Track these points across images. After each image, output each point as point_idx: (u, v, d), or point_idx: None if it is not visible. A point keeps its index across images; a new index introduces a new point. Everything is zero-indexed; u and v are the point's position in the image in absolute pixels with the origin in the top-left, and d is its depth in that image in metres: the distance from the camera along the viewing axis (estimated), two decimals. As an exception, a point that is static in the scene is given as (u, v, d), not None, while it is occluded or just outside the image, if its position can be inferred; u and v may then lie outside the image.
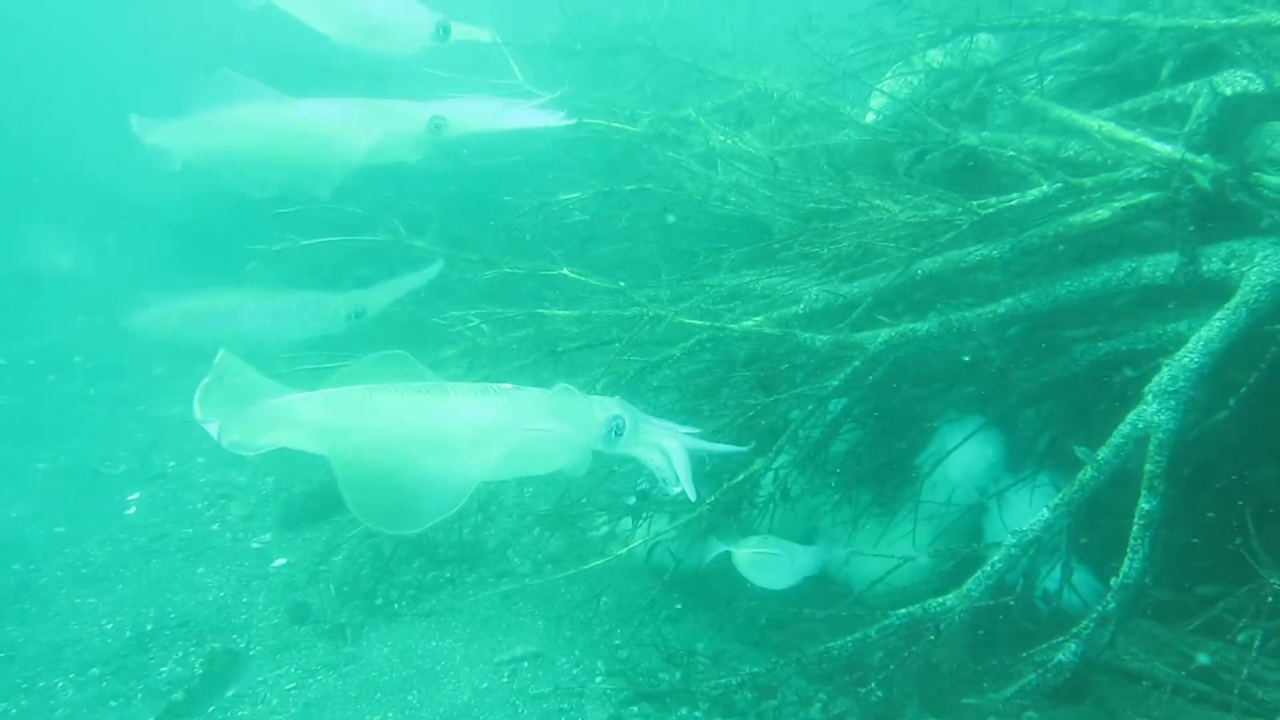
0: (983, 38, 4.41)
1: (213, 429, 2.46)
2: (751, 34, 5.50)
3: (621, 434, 2.65)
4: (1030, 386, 3.77)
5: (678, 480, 2.66)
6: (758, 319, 3.71)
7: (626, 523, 4.88)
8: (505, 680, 4.09)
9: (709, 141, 4.39)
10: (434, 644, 4.45)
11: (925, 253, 3.35)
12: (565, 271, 3.56)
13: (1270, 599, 2.69)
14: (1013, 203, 3.31)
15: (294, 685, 4.09)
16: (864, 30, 4.31)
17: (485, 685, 4.05)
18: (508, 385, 2.80)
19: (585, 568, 4.47)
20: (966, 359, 4.11)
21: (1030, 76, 4.01)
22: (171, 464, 6.29)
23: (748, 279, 4.11)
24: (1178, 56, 3.91)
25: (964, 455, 4.13)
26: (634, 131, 4.68)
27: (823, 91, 4.42)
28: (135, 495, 5.95)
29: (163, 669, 4.31)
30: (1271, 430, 3.27)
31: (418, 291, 4.61)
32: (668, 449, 2.69)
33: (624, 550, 4.49)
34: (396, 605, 4.86)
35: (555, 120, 3.87)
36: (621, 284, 3.67)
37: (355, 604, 4.81)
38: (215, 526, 5.73)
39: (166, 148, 4.18)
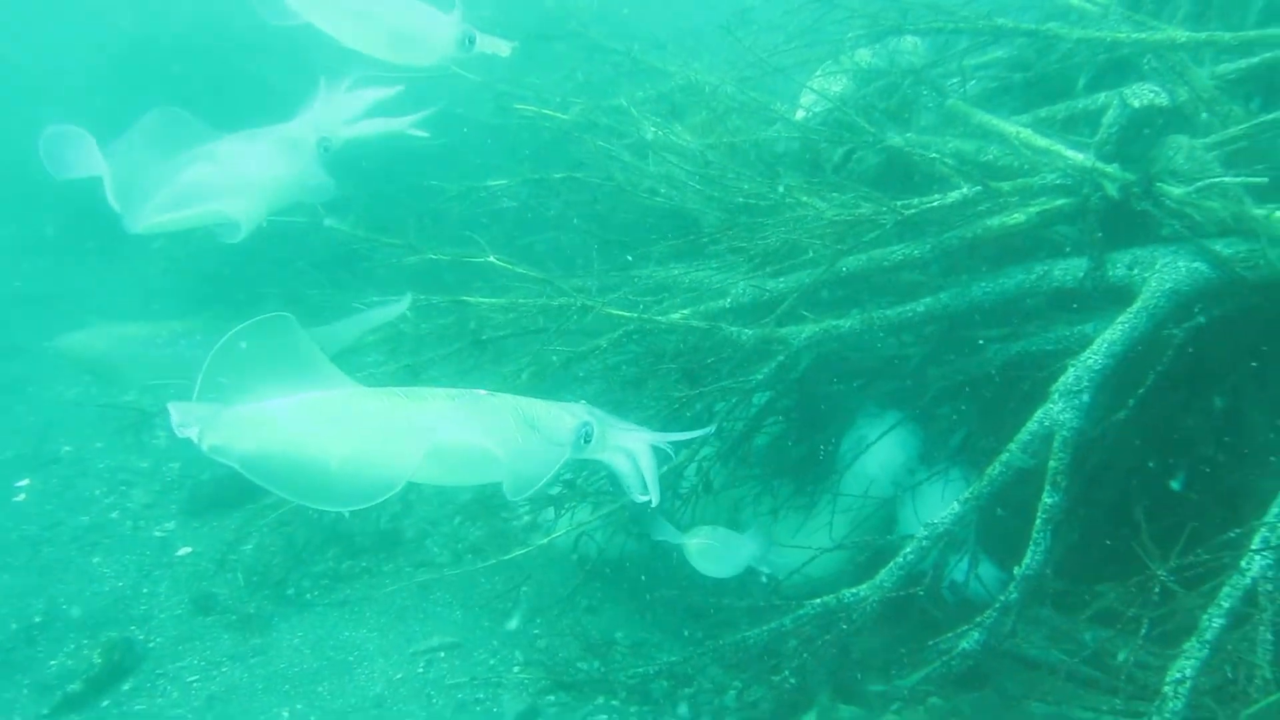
0: (909, 40, 4.52)
1: (191, 433, 2.32)
2: (684, 26, 5.52)
3: (590, 440, 2.60)
4: (946, 384, 3.87)
5: (643, 485, 2.66)
6: (685, 312, 3.73)
7: (549, 512, 4.88)
8: (421, 671, 4.04)
9: (641, 132, 4.40)
10: (347, 634, 4.37)
11: (850, 250, 3.42)
12: (492, 259, 3.52)
13: (1157, 589, 2.82)
14: (934, 204, 3.40)
15: (197, 678, 3.97)
16: (796, 27, 4.36)
17: (400, 676, 3.99)
18: (482, 391, 2.74)
19: (506, 558, 4.46)
20: (886, 356, 4.22)
21: (954, 80, 4.11)
22: (67, 449, 6.01)
23: (676, 272, 4.13)
24: (1092, 67, 4.08)
25: (881, 450, 4.23)
26: (565, 119, 4.66)
27: (754, 86, 4.46)
28: (25, 482, 5.66)
29: (52, 662, 4.12)
30: (1164, 430, 3.43)
31: (335, 274, 4.49)
32: (634, 452, 2.67)
33: (546, 540, 4.49)
34: (309, 595, 4.76)
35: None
36: (550, 273, 3.64)
37: (265, 594, 4.69)
38: (114, 514, 5.52)
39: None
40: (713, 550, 3.53)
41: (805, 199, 3.58)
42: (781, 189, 3.45)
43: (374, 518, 5.22)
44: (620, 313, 3.62)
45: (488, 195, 4.45)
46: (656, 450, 2.73)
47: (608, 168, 4.35)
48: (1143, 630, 2.85)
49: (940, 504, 4.03)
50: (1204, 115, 3.27)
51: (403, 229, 4.68)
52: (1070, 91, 4.25)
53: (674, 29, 5.42)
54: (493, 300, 3.89)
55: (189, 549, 5.20)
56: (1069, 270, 3.40)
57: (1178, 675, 2.52)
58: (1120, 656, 3.02)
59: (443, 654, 4.19)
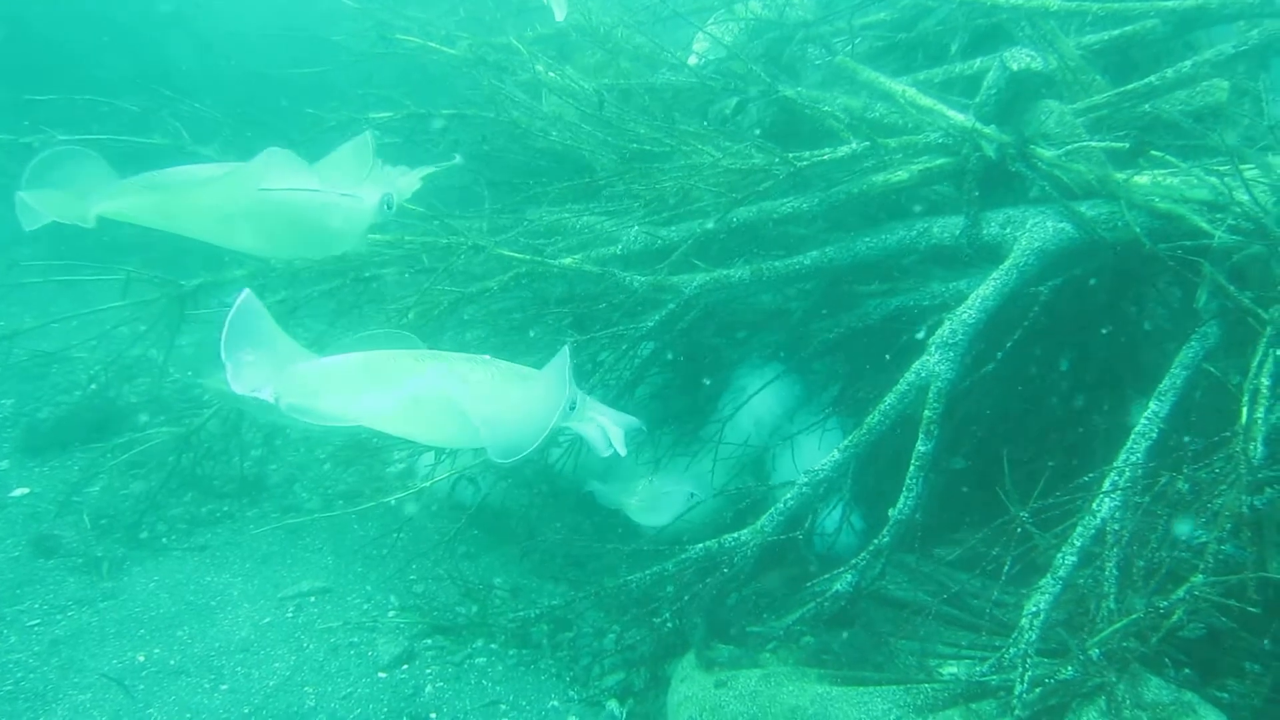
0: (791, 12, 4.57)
1: (266, 394, 2.20)
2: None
3: (574, 409, 2.68)
4: (827, 338, 3.98)
5: (609, 444, 2.73)
6: (576, 257, 3.68)
7: (425, 458, 4.78)
8: (290, 616, 3.90)
9: (532, 71, 4.28)
10: (209, 579, 4.17)
11: (744, 200, 3.44)
12: (380, 191, 3.34)
13: (1018, 530, 3.00)
14: (825, 157, 3.46)
15: (38, 622, 3.70)
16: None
17: (267, 621, 3.84)
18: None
19: (379, 502, 4.35)
20: (768, 311, 4.30)
21: (841, 39, 4.18)
22: (-128, 384, 5.50)
23: (567, 216, 4.07)
24: (968, 32, 4.22)
25: (761, 401, 4.33)
26: (453, 54, 4.48)
27: (646, 32, 4.40)
28: None
29: None
30: (1027, 382, 3.64)
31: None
32: (604, 421, 2.75)
33: (426, 484, 4.40)
34: (165, 539, 4.53)
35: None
36: (436, 212, 3.51)
37: (115, 537, 4.44)
38: None
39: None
40: (656, 502, 3.71)
41: (700, 146, 3.57)
42: (676, 136, 3.42)
43: (235, 461, 4.98)
44: (512, 254, 3.55)
45: (369, 128, 4.24)
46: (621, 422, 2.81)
47: (498, 106, 4.22)
48: (1005, 570, 3.03)
49: (818, 454, 4.19)
50: (1069, 82, 3.43)
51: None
52: (945, 57, 4.40)
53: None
54: (376, 236, 3.74)
55: (25, 489, 4.87)
56: (947, 228, 3.53)
57: (1033, 609, 2.69)
58: (984, 596, 3.20)
59: (313, 599, 4.05)
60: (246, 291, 2.50)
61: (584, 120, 3.87)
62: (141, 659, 3.47)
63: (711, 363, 4.51)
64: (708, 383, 4.54)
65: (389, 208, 2.98)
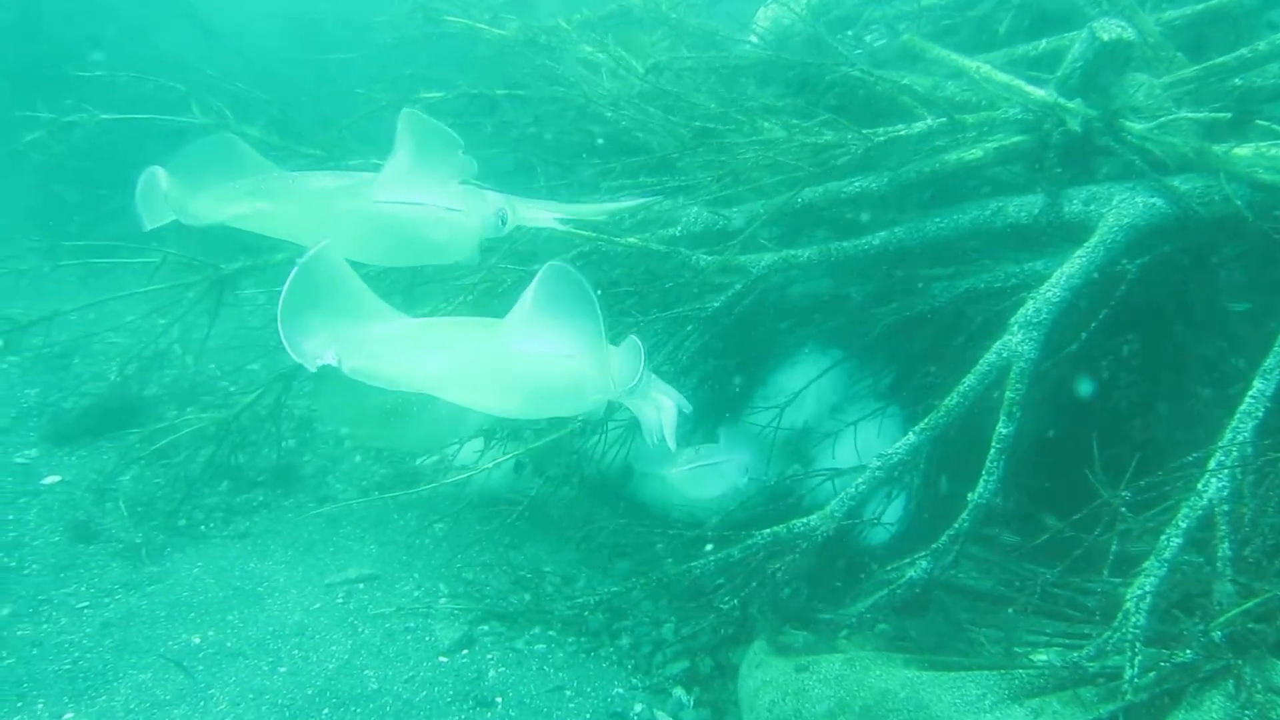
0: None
1: (329, 356, 2.12)
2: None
3: (638, 385, 2.53)
4: (891, 320, 3.89)
5: (661, 432, 2.58)
6: (640, 236, 3.60)
7: (456, 452, 4.72)
8: (340, 601, 3.81)
9: (586, 53, 4.21)
10: (252, 566, 4.09)
11: (820, 176, 3.36)
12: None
13: (1108, 518, 2.91)
14: (901, 133, 3.38)
15: (88, 604, 3.63)
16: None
17: (318, 606, 3.75)
18: None
19: (416, 490, 4.28)
20: (826, 296, 4.21)
21: (904, 21, 4.11)
22: (-100, 373, 5.44)
23: (623, 199, 3.98)
24: (1028, 13, 4.16)
25: (816, 387, 4.24)
26: (503, 35, 4.41)
27: (701, 13, 4.33)
28: None
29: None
30: (1119, 364, 3.55)
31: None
32: (662, 405, 2.60)
33: (464, 476, 4.33)
34: (203, 527, 4.46)
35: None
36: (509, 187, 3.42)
37: (153, 524, 4.37)
38: None
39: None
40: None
41: (765, 123, 3.50)
42: (745, 112, 3.34)
43: (266, 453, 4.92)
44: (575, 231, 3.46)
45: (422, 109, 4.15)
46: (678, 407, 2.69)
47: (551, 86, 4.14)
48: (1087, 557, 2.94)
49: (877, 441, 4.10)
50: (1150, 59, 3.36)
51: (321, 138, 4.34)
52: (999, 41, 4.34)
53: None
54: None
55: (57, 478, 4.82)
56: (1024, 206, 3.45)
57: (1139, 591, 2.60)
58: (1064, 584, 3.11)
59: (362, 586, 3.96)
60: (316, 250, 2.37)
61: (643, 99, 3.79)
62: (197, 641, 3.37)
63: (763, 350, 4.43)
64: (761, 369, 4.45)
65: (502, 224, 2.87)
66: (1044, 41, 3.94)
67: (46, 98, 4.86)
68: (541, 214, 2.95)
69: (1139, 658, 2.45)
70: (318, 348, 2.26)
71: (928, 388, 3.94)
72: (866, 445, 4.04)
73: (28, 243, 4.59)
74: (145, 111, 4.66)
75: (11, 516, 4.35)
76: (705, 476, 3.55)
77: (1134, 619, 2.55)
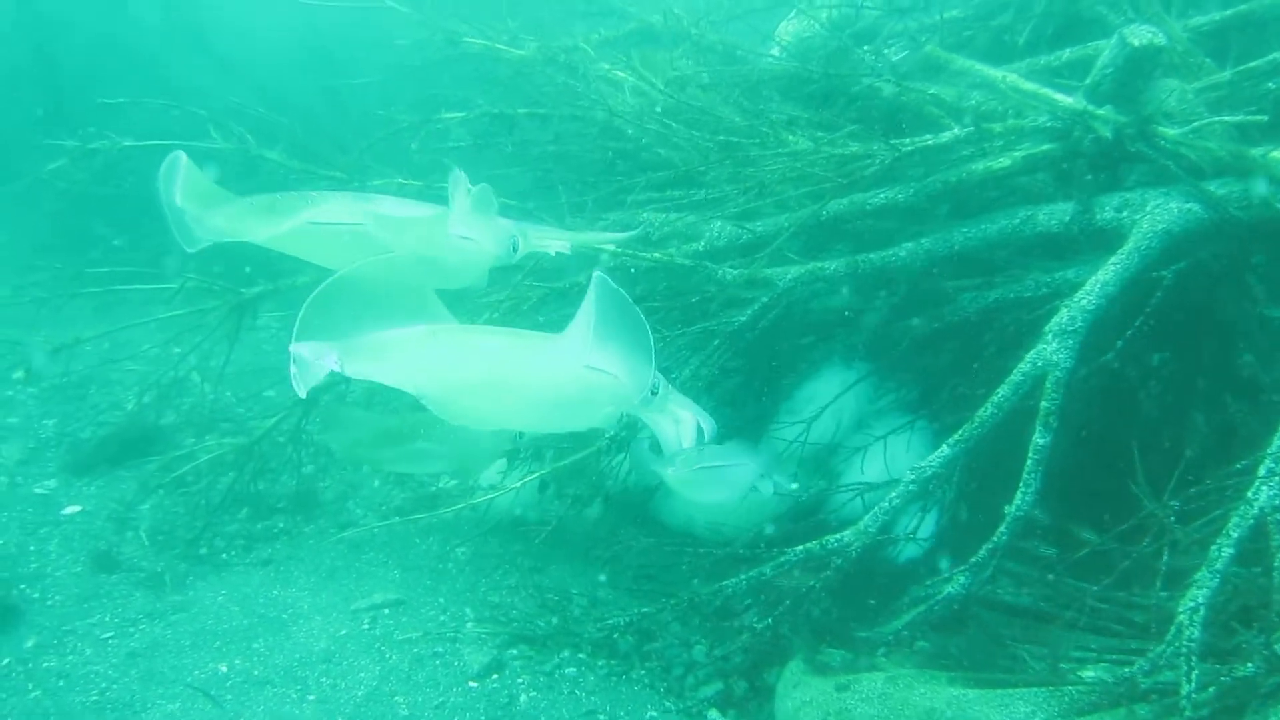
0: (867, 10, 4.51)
1: (330, 360, 2.09)
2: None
3: (657, 393, 2.42)
4: (918, 334, 3.84)
5: (680, 448, 2.50)
6: (664, 251, 3.57)
7: (475, 475, 4.69)
8: (366, 628, 3.75)
9: (605, 72, 4.20)
10: (276, 593, 4.04)
11: (849, 187, 3.32)
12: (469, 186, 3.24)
13: (1157, 530, 2.85)
14: (929, 142, 3.35)
15: (112, 634, 3.58)
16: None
17: (344, 632, 3.69)
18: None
19: (438, 514, 4.25)
20: (844, 311, 4.17)
21: (926, 34, 4.10)
22: (-87, 406, 5.45)
23: (645, 214, 3.96)
24: (1049, 23, 4.14)
25: (843, 402, 4.19)
26: (522, 55, 4.41)
27: (720, 30, 4.33)
28: None
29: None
30: (1149, 372, 3.50)
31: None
32: (680, 419, 2.49)
33: (485, 499, 4.30)
34: (225, 555, 4.42)
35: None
36: (528, 205, 3.41)
37: (175, 553, 4.33)
38: None
39: None
40: (700, 477, 3.15)
41: (790, 137, 3.47)
42: (769, 125, 3.32)
43: (283, 478, 4.90)
44: (602, 247, 3.43)
45: (442, 128, 4.16)
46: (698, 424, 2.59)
47: (571, 105, 4.14)
48: (1161, 569, 2.86)
49: (906, 456, 4.04)
50: (1178, 65, 3.33)
51: (340, 160, 4.34)
52: (1018, 52, 4.32)
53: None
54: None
55: (77, 508, 4.80)
56: (1054, 214, 3.41)
57: (1192, 604, 2.53)
58: (1107, 599, 3.04)
59: (387, 611, 3.91)
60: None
61: (666, 114, 3.77)
62: (223, 669, 3.32)
63: (788, 365, 4.39)
64: (783, 386, 4.40)
65: (514, 250, 2.83)
66: (1067, 51, 3.93)
67: (68, 127, 4.88)
68: (553, 241, 2.90)
69: (1196, 672, 2.38)
70: (323, 350, 2.19)
71: (957, 400, 3.89)
72: (893, 460, 4.00)
73: (51, 270, 4.59)
74: (166, 139, 4.67)
75: (33, 547, 4.32)
76: (708, 479, 3.20)
77: (1188, 632, 2.48)
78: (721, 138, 3.65)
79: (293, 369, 2.17)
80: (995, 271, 3.79)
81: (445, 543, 4.61)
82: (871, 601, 3.78)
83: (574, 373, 2.35)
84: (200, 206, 2.64)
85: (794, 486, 3.45)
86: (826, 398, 4.23)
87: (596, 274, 2.26)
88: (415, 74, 5.08)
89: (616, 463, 4.27)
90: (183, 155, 2.63)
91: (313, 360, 2.16)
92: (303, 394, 2.16)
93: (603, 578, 4.40)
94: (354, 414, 4.60)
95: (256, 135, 4.65)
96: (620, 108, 4.04)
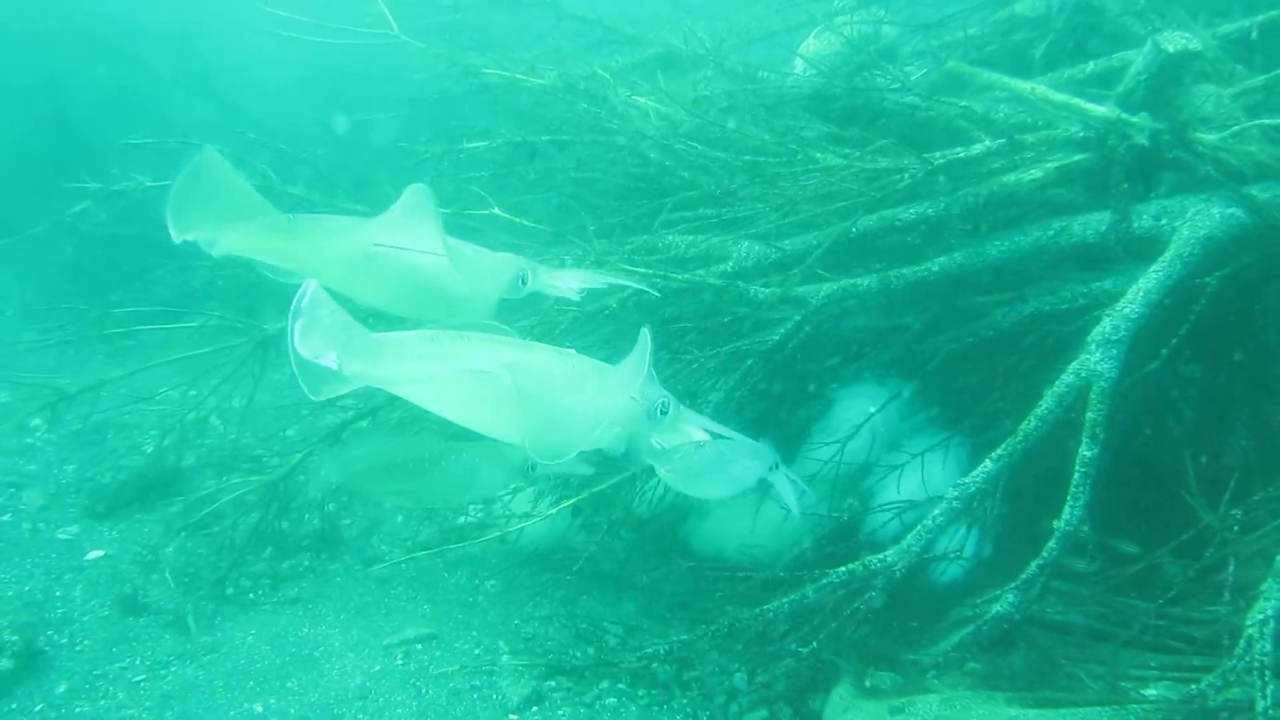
0: (885, 29, 4.53)
1: (330, 360, 2.05)
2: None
3: (666, 413, 2.30)
4: (952, 349, 3.79)
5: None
6: (694, 272, 3.54)
7: (499, 509, 4.64)
8: (400, 663, 3.68)
9: (625, 97, 4.20)
10: (306, 631, 3.98)
11: (879, 202, 3.30)
12: (496, 210, 3.25)
13: (1215, 543, 2.78)
14: (960, 155, 3.33)
15: (144, 677, 3.53)
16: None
17: (378, 668, 3.63)
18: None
19: (464, 547, 4.21)
20: (871, 331, 4.13)
21: (946, 53, 4.09)
22: (-67, 455, 5.43)
23: (670, 237, 3.94)
24: (1071, 38, 4.14)
25: (877, 420, 4.13)
26: (542, 84, 4.42)
27: (736, 55, 4.33)
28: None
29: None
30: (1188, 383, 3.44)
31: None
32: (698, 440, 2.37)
33: (513, 530, 4.25)
34: (251, 594, 4.36)
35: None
36: (553, 230, 3.39)
37: (201, 594, 4.28)
38: (7, 517, 5.07)
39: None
40: (694, 469, 2.58)
41: (819, 154, 3.45)
42: (800, 143, 3.30)
43: (306, 517, 4.86)
44: (632, 269, 3.40)
45: (466, 158, 4.16)
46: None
47: (593, 132, 4.14)
48: (1221, 580, 2.79)
49: (943, 473, 3.98)
50: (1208, 72, 3.31)
51: (366, 193, 4.34)
52: (1032, 69, 4.31)
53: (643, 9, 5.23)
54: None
55: (100, 552, 4.75)
56: (1089, 224, 3.37)
57: (1260, 616, 2.45)
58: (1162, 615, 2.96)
59: (420, 646, 3.84)
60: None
61: (690, 135, 3.76)
62: (259, 709, 3.26)
63: (817, 385, 4.34)
64: (815, 406, 4.35)
65: (522, 283, 2.78)
66: (1091, 64, 3.91)
67: (80, 174, 4.89)
68: (561, 281, 2.82)
69: (1270, 686, 2.30)
70: (322, 347, 2.16)
71: (994, 415, 3.83)
72: (926, 479, 3.94)
73: (76, 313, 4.58)
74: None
75: (59, 593, 4.28)
76: (707, 471, 2.62)
77: (1259, 645, 2.40)
78: (748, 158, 3.63)
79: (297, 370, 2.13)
80: (1027, 284, 3.74)
81: (474, 576, 4.56)
82: (913, 624, 3.70)
83: (581, 390, 2.27)
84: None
85: (805, 488, 3.13)
86: (858, 417, 4.18)
87: (645, 330, 2.20)
88: (433, 106, 5.10)
89: (645, 490, 4.22)
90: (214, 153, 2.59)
91: (313, 354, 2.12)
92: (318, 399, 2.12)
93: (635, 607, 4.33)
94: (364, 446, 4.55)
95: (277, 172, 4.67)
96: (645, 129, 4.03)
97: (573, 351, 2.39)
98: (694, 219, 3.81)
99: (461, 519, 5.26)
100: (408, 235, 2.67)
